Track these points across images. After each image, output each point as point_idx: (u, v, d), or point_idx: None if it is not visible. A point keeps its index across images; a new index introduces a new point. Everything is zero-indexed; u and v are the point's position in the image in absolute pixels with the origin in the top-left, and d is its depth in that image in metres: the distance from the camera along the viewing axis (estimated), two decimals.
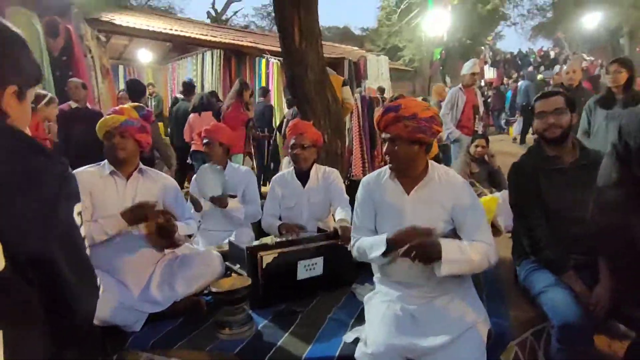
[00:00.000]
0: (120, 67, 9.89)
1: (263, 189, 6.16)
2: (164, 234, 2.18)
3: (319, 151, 3.08)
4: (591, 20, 19.65)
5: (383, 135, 1.87)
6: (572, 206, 2.08)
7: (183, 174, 6.00)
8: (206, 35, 9.15)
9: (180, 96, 6.95)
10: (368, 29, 24.65)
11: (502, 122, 13.84)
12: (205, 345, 1.92)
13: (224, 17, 22.39)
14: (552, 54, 22.83)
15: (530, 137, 9.38)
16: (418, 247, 1.65)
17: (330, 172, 3.04)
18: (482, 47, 24.76)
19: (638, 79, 4.65)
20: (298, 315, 2.18)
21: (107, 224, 2.13)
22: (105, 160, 2.32)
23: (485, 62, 22.74)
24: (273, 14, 3.79)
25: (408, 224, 1.77)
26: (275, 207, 3.08)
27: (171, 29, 8.94)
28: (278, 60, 8.29)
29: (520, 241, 2.30)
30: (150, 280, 2.27)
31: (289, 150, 3.01)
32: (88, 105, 4.71)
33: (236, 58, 9.11)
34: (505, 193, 3.38)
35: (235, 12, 24.28)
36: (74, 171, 2.17)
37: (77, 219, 0.92)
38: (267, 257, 2.24)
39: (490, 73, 20.36)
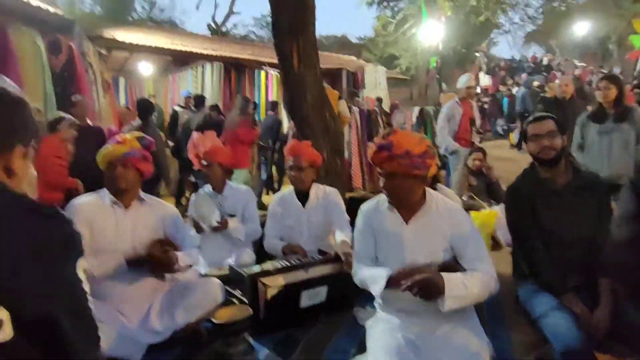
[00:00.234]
0: (121, 79, 9.97)
1: (266, 198, 6.27)
2: (162, 264, 2.18)
3: (318, 171, 3.09)
4: (580, 29, 19.98)
5: (379, 170, 1.88)
6: (569, 227, 2.10)
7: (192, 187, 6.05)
8: (207, 49, 9.28)
9: (178, 108, 7.05)
10: (365, 37, 24.92)
11: (499, 128, 14.00)
12: None
13: (224, 29, 22.62)
14: (545, 60, 23.09)
15: None
16: (421, 284, 1.65)
17: (330, 191, 3.06)
18: (477, 54, 25.05)
19: (630, 92, 4.79)
20: (300, 343, 2.17)
21: (107, 263, 2.13)
22: (105, 189, 2.30)
23: (480, 69, 22.97)
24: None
25: (408, 253, 1.80)
26: (277, 227, 3.09)
27: (172, 44, 9.07)
28: (277, 72, 8.41)
29: (520, 263, 2.30)
30: (150, 309, 2.26)
31: (288, 171, 3.04)
32: (89, 122, 4.79)
33: (236, 70, 9.22)
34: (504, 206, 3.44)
35: (235, 25, 24.63)
36: (74, 200, 2.25)
37: (81, 275, 0.93)
38: (272, 290, 2.23)
39: (485, 80, 20.53)
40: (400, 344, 1.72)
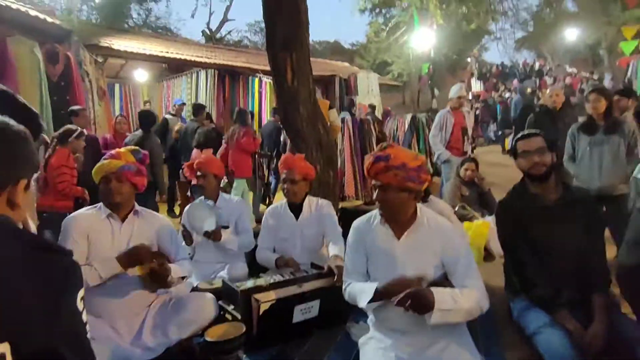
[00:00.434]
0: (117, 85, 10.03)
1: (263, 207, 6.33)
2: (156, 279, 2.17)
3: (311, 184, 3.11)
4: (570, 35, 20.22)
5: (373, 182, 1.91)
6: (559, 243, 2.13)
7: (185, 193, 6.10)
8: (201, 57, 9.35)
9: (168, 116, 7.09)
10: (358, 43, 25.11)
11: (491, 134, 14.17)
12: None
13: (218, 36, 22.73)
14: (536, 66, 23.36)
15: None
16: (412, 297, 1.67)
17: (323, 204, 3.08)
18: (468, 60, 25.34)
19: (626, 101, 4.88)
20: None
21: (102, 267, 2.13)
22: (101, 203, 2.33)
23: (472, 75, 23.24)
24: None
25: (399, 269, 1.82)
26: (270, 239, 3.10)
27: (167, 52, 9.13)
28: (271, 79, 8.49)
29: (512, 277, 2.32)
30: (142, 325, 2.26)
31: (281, 184, 3.06)
32: (84, 131, 4.86)
33: (230, 77, 9.28)
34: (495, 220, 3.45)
35: (230, 32, 24.70)
36: (72, 214, 2.28)
37: (80, 305, 0.94)
38: (264, 305, 2.23)
39: (477, 86, 20.78)
40: None
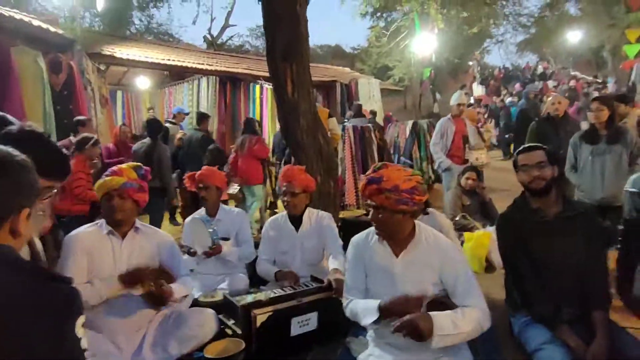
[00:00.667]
0: (119, 92, 10.09)
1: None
2: (155, 300, 2.18)
3: (311, 195, 3.11)
4: (573, 37, 20.14)
5: (368, 201, 1.91)
6: (560, 258, 2.12)
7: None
8: (202, 64, 9.38)
9: (168, 125, 7.11)
10: (359, 47, 25.13)
11: (493, 139, 14.12)
12: None
13: (219, 41, 22.81)
14: (539, 69, 23.27)
15: None
16: (410, 325, 1.66)
17: (323, 216, 3.08)
18: (470, 63, 25.32)
19: (623, 107, 4.86)
20: None
21: (103, 286, 2.15)
22: (103, 220, 2.34)
23: (474, 78, 23.23)
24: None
25: (399, 286, 1.81)
26: (270, 251, 3.11)
27: (169, 59, 9.18)
28: (272, 86, 8.51)
29: (512, 292, 2.31)
30: (143, 340, 2.26)
31: (281, 196, 3.06)
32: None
33: (231, 83, 9.31)
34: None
35: (231, 37, 24.77)
36: (73, 232, 2.28)
37: (80, 332, 0.96)
38: (261, 317, 2.23)
39: (478, 90, 20.75)
40: None
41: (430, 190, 7.69)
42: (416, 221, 1.97)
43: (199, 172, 3.39)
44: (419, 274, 1.87)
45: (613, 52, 18.86)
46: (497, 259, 3.60)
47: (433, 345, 1.67)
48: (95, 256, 2.25)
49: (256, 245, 3.31)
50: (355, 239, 2.08)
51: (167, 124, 7.25)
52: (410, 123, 8.29)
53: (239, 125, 9.13)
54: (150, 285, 2.16)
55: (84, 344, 0.97)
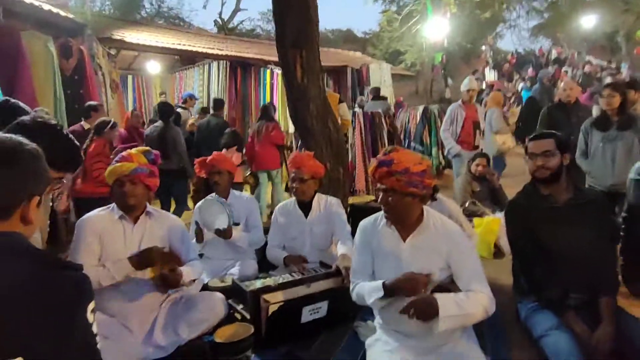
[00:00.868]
0: (130, 77, 10.11)
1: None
2: (167, 282, 2.21)
3: (320, 182, 3.11)
4: (588, 22, 19.67)
5: (378, 185, 1.92)
6: (568, 244, 2.12)
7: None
8: (213, 48, 9.36)
9: (180, 110, 7.14)
10: (371, 32, 24.81)
11: None
12: None
13: (230, 26, 22.65)
14: (553, 54, 22.78)
15: None
16: (416, 306, 1.69)
17: (332, 202, 3.08)
18: (483, 48, 24.87)
19: (632, 93, 4.76)
20: None
21: (115, 268, 2.18)
22: (114, 204, 2.37)
23: (487, 63, 22.81)
24: None
25: (405, 271, 1.82)
26: (279, 237, 3.13)
27: (179, 44, 9.16)
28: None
29: (520, 278, 2.32)
30: (154, 323, 2.31)
31: (290, 183, 3.07)
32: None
33: (242, 68, 9.29)
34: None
35: (242, 21, 24.58)
36: (86, 216, 2.33)
37: (90, 317, 0.98)
38: (273, 306, 2.26)
39: (491, 75, 20.41)
40: None
41: (440, 176, 7.65)
42: (424, 207, 1.97)
43: (210, 157, 3.40)
44: (425, 259, 1.88)
45: (627, 37, 18.44)
46: (505, 244, 3.57)
47: (439, 326, 1.69)
48: (106, 240, 2.28)
49: (266, 231, 3.33)
50: (364, 223, 2.09)
51: (178, 109, 7.28)
52: (421, 108, 8.21)
53: (250, 110, 9.14)
54: (159, 268, 2.19)
55: (94, 328, 0.99)
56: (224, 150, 5.71)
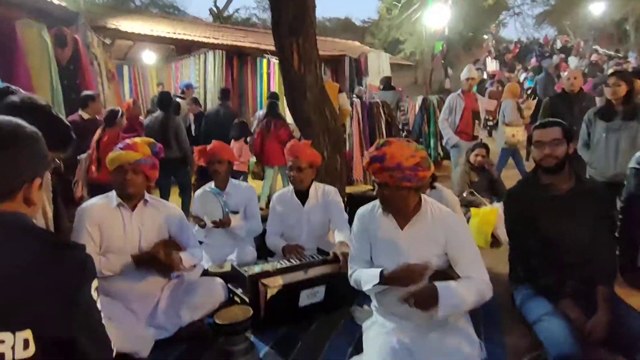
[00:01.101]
0: (125, 67, 9.99)
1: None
2: (166, 268, 2.27)
3: (317, 170, 3.14)
4: (596, 8, 19.37)
5: (373, 178, 1.93)
6: (568, 234, 2.12)
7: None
8: (208, 37, 9.30)
9: (179, 100, 7.10)
10: (369, 20, 24.59)
11: None
12: None
13: (225, 14, 22.42)
14: (558, 43, 22.47)
15: None
16: (416, 295, 1.71)
17: (329, 190, 3.11)
18: (485, 37, 24.64)
19: (638, 82, 4.71)
20: (298, 342, 2.25)
21: (116, 261, 2.25)
22: (113, 192, 2.39)
23: (489, 53, 22.60)
24: None
25: (403, 259, 1.83)
26: (278, 225, 3.17)
27: (174, 33, 9.09)
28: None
29: (517, 266, 2.33)
30: (156, 306, 2.37)
31: (287, 172, 3.10)
32: (97, 117, 4.89)
33: (238, 58, 9.22)
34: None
35: (237, 10, 24.37)
36: (84, 204, 2.36)
37: (95, 295, 1.01)
38: (272, 290, 2.32)
39: (492, 65, 20.26)
40: (394, 347, 1.79)
41: (439, 167, 7.62)
42: (422, 195, 1.98)
43: (210, 147, 3.41)
44: (423, 247, 1.90)
45: (636, 26, 18.17)
46: (503, 234, 3.65)
47: (439, 314, 1.72)
48: (106, 228, 2.32)
49: (264, 220, 3.36)
50: (361, 210, 2.10)
51: (177, 99, 7.24)
52: (419, 99, 8.16)
53: (247, 99, 9.08)
54: (159, 253, 2.23)
55: (99, 305, 1.02)
56: (232, 142, 5.81)
